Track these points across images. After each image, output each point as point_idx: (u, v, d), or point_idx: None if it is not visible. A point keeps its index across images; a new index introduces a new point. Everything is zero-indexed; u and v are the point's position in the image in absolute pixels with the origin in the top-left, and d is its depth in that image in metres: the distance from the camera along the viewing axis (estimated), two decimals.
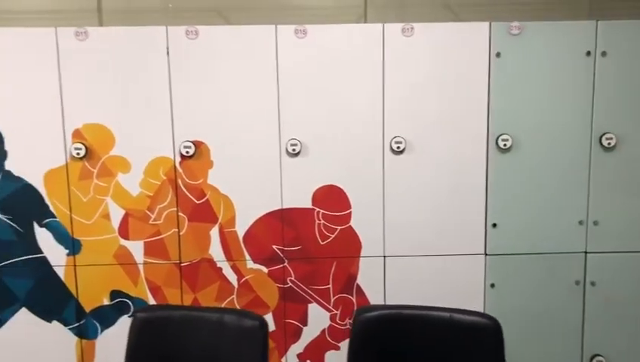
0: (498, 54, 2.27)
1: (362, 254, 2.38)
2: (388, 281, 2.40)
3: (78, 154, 2.23)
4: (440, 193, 2.34)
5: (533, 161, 2.33)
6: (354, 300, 2.40)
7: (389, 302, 2.40)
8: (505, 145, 2.30)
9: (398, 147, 2.30)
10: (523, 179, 2.35)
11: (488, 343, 1.72)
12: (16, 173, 2.27)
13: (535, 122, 2.30)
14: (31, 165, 2.27)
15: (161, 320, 1.81)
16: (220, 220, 2.34)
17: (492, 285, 2.40)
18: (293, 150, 2.28)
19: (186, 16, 2.67)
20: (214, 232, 2.34)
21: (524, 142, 2.32)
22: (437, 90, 2.29)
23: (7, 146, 2.25)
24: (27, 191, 2.27)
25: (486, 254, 2.39)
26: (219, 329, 1.78)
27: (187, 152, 2.26)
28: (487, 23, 2.27)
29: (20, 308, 2.34)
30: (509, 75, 2.29)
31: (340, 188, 2.34)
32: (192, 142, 2.27)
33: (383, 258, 2.39)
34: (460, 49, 2.27)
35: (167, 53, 2.23)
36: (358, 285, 2.40)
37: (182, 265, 2.35)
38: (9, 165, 2.26)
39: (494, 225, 2.37)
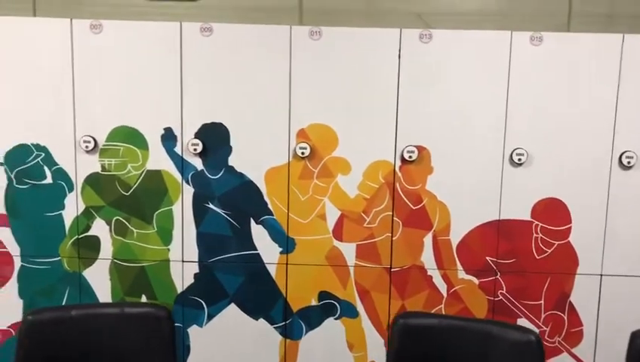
0: None
1: (578, 271, 2.29)
2: (603, 302, 2.30)
3: (302, 153, 2.23)
4: None
5: None
6: (565, 318, 2.32)
7: (601, 324, 2.31)
8: None
9: (629, 162, 2.20)
10: None
11: None
12: (238, 169, 2.28)
13: None
14: (253, 162, 2.27)
15: (423, 328, 1.77)
16: (434, 227, 2.29)
17: None
18: (519, 160, 2.21)
19: (387, 19, 2.64)
20: (428, 239, 2.30)
21: None
22: None
23: (232, 142, 2.26)
24: (247, 187, 2.28)
25: None
26: (484, 341, 1.73)
27: (410, 157, 2.23)
28: None
29: (229, 303, 2.35)
30: None
31: (561, 202, 2.26)
32: (415, 146, 2.23)
33: (599, 276, 2.29)
34: None
35: (399, 55, 2.20)
36: (570, 303, 2.31)
37: (392, 270, 2.32)
38: (232, 161, 2.27)
39: None
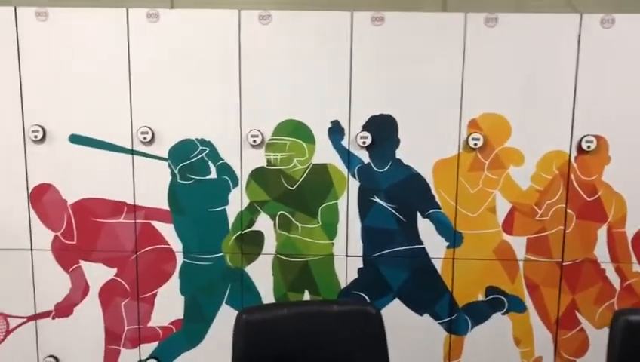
0: None
1: None
2: None
3: (475, 144, 2.16)
4: None
5: None
6: None
7: None
8: None
9: None
10: None
11: None
12: (405, 162, 2.22)
13: None
14: (421, 154, 2.22)
15: None
16: (609, 219, 2.21)
17: None
18: None
19: (531, 4, 2.54)
20: (602, 232, 2.22)
21: None
22: None
23: (400, 134, 2.20)
24: (414, 180, 2.22)
25: None
26: None
27: (588, 147, 2.15)
28: None
29: (394, 298, 2.31)
30: None
31: None
32: (594, 136, 2.15)
33: None
34: None
35: (579, 41, 2.11)
36: None
37: (563, 264, 2.25)
38: (400, 153, 2.21)
39: None
